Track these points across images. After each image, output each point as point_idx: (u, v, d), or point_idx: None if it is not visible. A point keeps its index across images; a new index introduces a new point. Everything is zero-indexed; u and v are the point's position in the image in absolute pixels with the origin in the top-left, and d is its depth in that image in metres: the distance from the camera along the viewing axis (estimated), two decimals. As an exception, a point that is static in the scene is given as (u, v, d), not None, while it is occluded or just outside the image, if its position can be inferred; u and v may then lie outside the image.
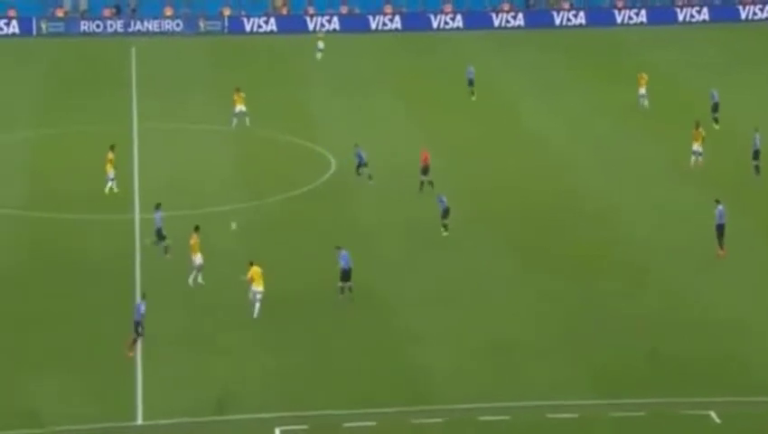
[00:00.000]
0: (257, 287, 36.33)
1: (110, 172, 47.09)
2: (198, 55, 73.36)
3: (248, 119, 55.56)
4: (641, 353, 33.58)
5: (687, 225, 43.24)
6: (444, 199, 42.97)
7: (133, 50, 73.40)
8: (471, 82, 61.72)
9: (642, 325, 35.44)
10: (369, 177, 47.82)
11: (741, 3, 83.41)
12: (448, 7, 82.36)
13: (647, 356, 33.38)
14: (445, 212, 42.61)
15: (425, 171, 47.00)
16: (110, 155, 47.47)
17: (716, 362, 33.21)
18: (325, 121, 57.39)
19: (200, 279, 38.63)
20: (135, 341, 33.97)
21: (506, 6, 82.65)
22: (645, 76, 59.74)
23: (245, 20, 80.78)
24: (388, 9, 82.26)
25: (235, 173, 50.02)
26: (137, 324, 33.90)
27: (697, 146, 49.70)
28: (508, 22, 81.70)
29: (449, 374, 32.76)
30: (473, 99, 60.58)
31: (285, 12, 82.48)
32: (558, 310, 36.59)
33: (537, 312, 36.51)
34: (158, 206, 41.82)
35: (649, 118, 57.47)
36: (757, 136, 49.35)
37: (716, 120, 55.78)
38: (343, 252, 37.53)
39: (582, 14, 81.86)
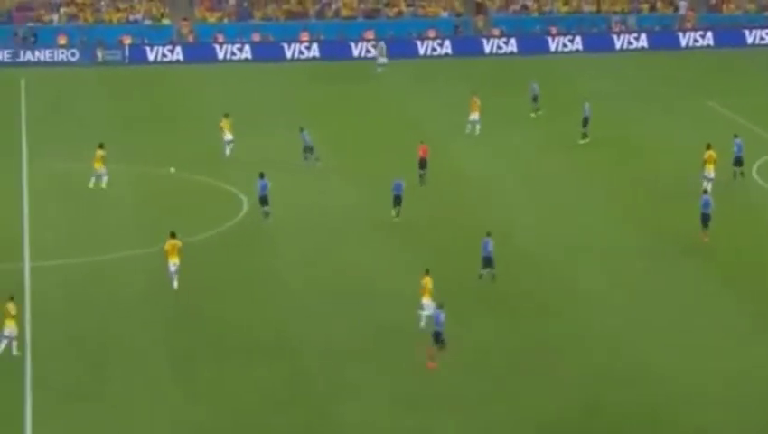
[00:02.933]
0: None
1: (100, 168, 51.31)
2: (96, 87, 71.72)
3: (231, 148, 55.79)
4: (576, 403, 32.56)
5: (615, 265, 42.82)
6: (402, 184, 46.69)
7: (22, 82, 71.54)
8: (535, 99, 63.10)
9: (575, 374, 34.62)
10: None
11: (680, 30, 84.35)
12: (370, 34, 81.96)
13: (581, 408, 32.35)
14: (397, 199, 46.54)
15: (422, 164, 50.97)
16: (100, 153, 51.49)
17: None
18: (235, 157, 55.95)
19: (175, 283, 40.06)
20: (436, 351, 34.44)
21: (431, 33, 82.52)
22: (478, 101, 59.81)
23: (147, 49, 79.37)
24: (305, 36, 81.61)
25: (138, 215, 48.49)
26: (438, 334, 34.78)
27: (709, 172, 48.59)
28: (434, 50, 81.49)
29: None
30: (537, 114, 62.70)
31: (191, 40, 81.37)
32: (486, 360, 35.33)
33: (464, 362, 35.15)
34: (262, 175, 46.88)
35: (588, 149, 57.28)
36: (737, 141, 50.93)
37: (584, 135, 57.06)
38: (486, 239, 40.49)
39: (513, 41, 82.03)
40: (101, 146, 51.88)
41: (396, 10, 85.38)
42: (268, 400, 33.15)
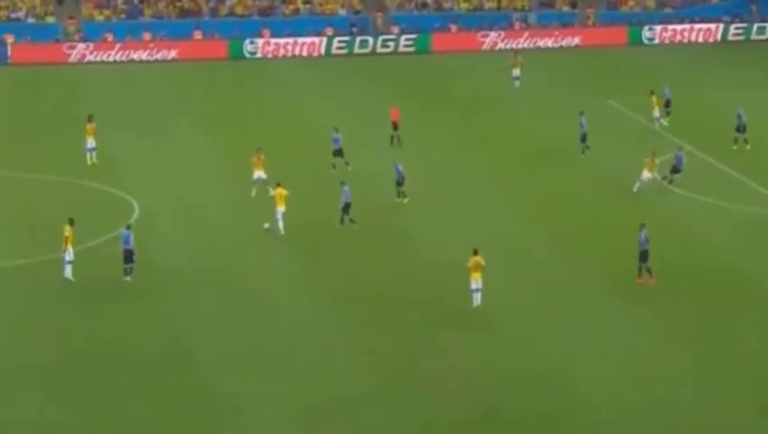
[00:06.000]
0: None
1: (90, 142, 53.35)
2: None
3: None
4: (475, 410, 32.14)
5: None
6: (401, 168, 48.08)
7: None
8: (668, 103, 60.41)
9: (480, 379, 33.81)
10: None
11: (582, 26, 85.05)
12: (266, 32, 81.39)
13: (483, 412, 31.96)
14: (401, 181, 48.05)
15: (395, 127, 56.23)
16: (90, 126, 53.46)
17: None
18: (123, 160, 55.10)
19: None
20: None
21: (329, 31, 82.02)
22: (520, 58, 67.17)
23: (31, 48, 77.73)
24: (198, 35, 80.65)
25: (21, 222, 47.31)
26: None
27: None
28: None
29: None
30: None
31: (77, 38, 79.90)
32: (385, 367, 34.67)
33: (364, 369, 34.60)
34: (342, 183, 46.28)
35: (488, 148, 57.20)
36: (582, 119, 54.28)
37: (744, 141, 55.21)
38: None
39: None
40: (90, 119, 53.90)
41: (292, 7, 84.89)
42: (164, 415, 32.31)
